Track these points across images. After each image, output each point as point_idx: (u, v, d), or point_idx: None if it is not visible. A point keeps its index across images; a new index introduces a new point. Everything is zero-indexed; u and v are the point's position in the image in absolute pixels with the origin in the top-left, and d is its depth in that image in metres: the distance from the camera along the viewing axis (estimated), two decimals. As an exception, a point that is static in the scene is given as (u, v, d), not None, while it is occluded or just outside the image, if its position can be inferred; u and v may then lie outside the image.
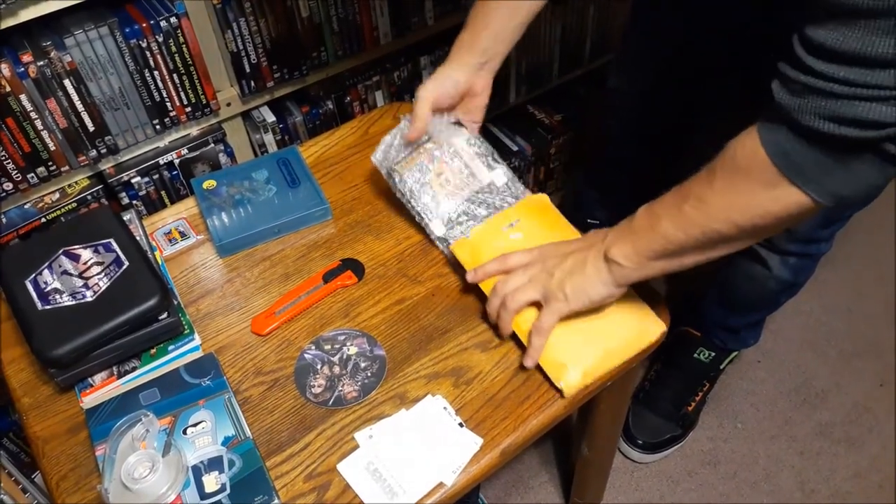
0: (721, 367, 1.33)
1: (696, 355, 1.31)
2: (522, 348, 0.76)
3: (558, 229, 0.85)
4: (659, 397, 1.32)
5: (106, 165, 1.10)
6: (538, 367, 0.75)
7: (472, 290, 0.83)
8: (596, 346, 0.75)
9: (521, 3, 0.83)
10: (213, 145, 1.16)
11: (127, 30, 0.97)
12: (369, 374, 0.76)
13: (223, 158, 1.19)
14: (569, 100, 1.61)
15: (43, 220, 1.07)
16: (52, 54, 0.93)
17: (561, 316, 0.74)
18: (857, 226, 1.13)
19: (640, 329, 0.77)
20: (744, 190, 0.60)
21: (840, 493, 1.27)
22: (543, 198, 0.88)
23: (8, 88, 0.92)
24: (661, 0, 1.06)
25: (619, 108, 1.23)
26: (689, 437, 1.34)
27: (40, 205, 1.08)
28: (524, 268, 0.76)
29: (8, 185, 1.01)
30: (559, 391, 0.73)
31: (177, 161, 1.14)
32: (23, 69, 0.92)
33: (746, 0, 0.92)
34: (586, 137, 1.60)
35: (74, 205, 1.09)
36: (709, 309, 1.27)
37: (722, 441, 1.35)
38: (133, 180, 1.12)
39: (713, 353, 1.30)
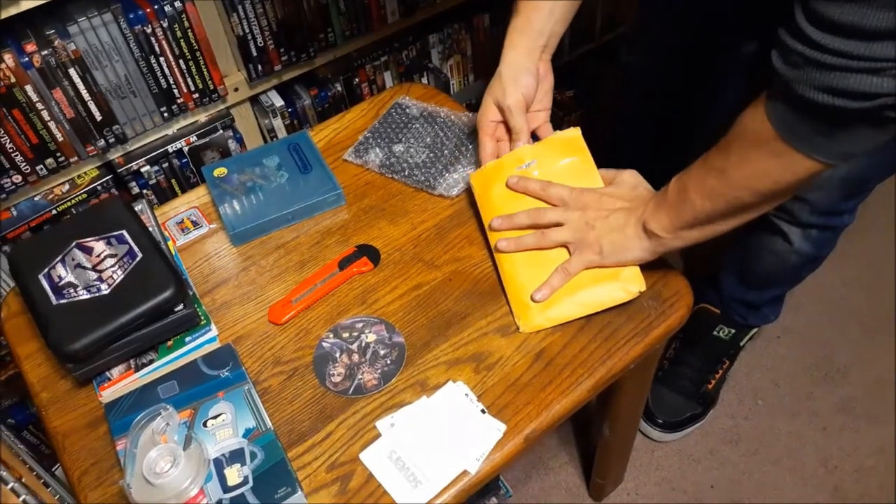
0: (741, 344, 1.32)
1: (715, 332, 1.29)
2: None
3: (583, 177, 0.82)
4: (678, 375, 1.31)
5: (115, 155, 1.08)
6: (504, 296, 0.79)
7: (490, 273, 0.82)
8: (566, 291, 0.77)
9: None
10: (221, 131, 1.15)
11: (131, 15, 0.95)
12: (389, 362, 0.75)
13: (232, 144, 1.17)
14: (580, 76, 1.59)
15: (54, 211, 1.07)
16: (56, 43, 0.92)
17: (590, 266, 0.76)
18: (878, 198, 1.10)
19: (617, 285, 0.77)
20: (756, 160, 0.62)
21: (863, 469, 1.26)
22: (573, 134, 0.82)
23: (13, 79, 0.91)
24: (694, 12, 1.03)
25: (635, 83, 1.21)
26: (709, 415, 1.33)
27: (50, 196, 1.07)
28: (563, 208, 0.78)
29: (17, 178, 1.00)
30: (516, 326, 0.77)
31: (186, 148, 1.13)
32: (27, 59, 0.91)
33: None
34: (599, 113, 1.57)
35: (84, 195, 1.08)
36: (728, 285, 1.25)
37: (742, 419, 1.34)
38: (142, 169, 1.11)
39: (733, 331, 1.29)
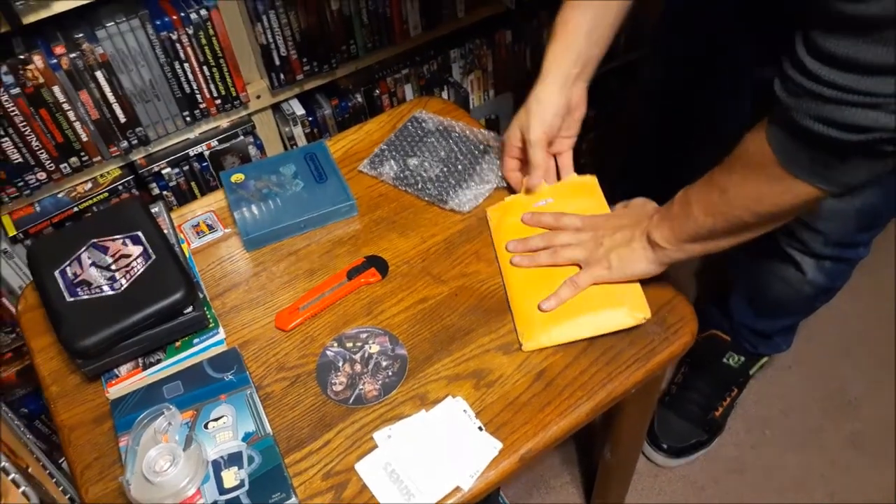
0: (751, 372, 1.31)
1: (725, 360, 1.28)
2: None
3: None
4: (686, 401, 1.30)
5: (137, 156, 1.11)
6: (510, 313, 0.80)
7: (496, 291, 0.82)
8: (571, 313, 0.77)
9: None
10: (242, 137, 1.17)
11: (158, 22, 0.97)
12: (390, 374, 0.76)
13: (253, 151, 1.19)
14: (601, 94, 1.59)
15: (76, 209, 1.09)
16: (85, 46, 0.94)
17: (599, 281, 0.78)
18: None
19: (623, 310, 0.77)
20: (756, 182, 0.63)
21: (870, 506, 1.24)
22: (589, 180, 0.89)
23: (41, 80, 0.93)
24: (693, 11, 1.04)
25: (650, 95, 1.22)
26: (715, 442, 1.32)
27: (73, 194, 1.10)
28: (576, 230, 0.81)
29: (42, 175, 1.02)
30: (519, 343, 0.77)
31: (207, 153, 1.15)
32: (55, 61, 0.93)
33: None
34: (620, 133, 1.57)
35: (106, 194, 1.11)
36: (739, 312, 1.24)
37: (749, 448, 1.33)
38: (163, 171, 1.13)
39: (743, 358, 1.28)
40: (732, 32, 1.02)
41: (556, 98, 0.82)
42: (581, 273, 0.78)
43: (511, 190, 0.92)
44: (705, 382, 1.30)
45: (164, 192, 1.16)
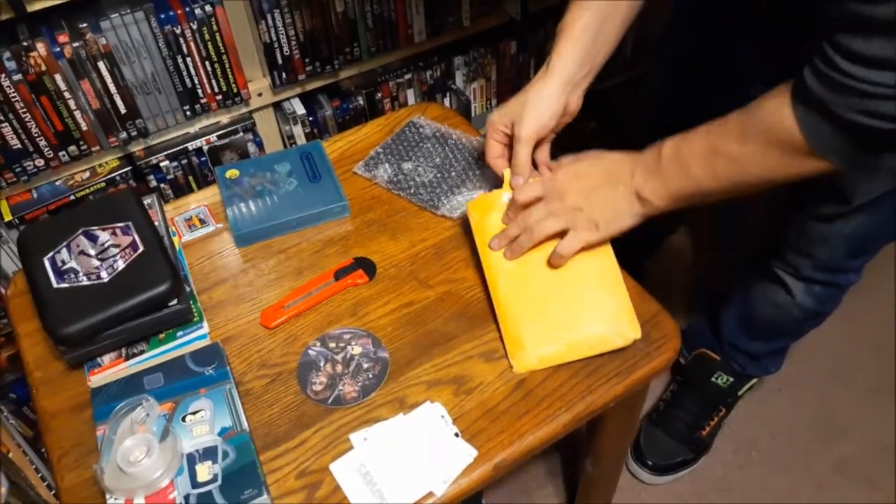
0: (739, 393, 1.30)
1: (713, 379, 1.28)
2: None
3: None
4: (673, 419, 1.29)
5: (135, 148, 1.12)
6: (497, 328, 0.79)
7: (482, 298, 0.83)
8: (562, 334, 0.76)
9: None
10: (242, 134, 1.17)
11: (162, 16, 0.98)
12: (370, 376, 0.76)
13: (252, 147, 1.20)
14: (605, 109, 1.59)
15: (72, 197, 1.10)
16: (88, 36, 0.95)
17: (589, 244, 0.77)
18: (887, 257, 1.09)
19: (614, 330, 0.76)
20: (777, 157, 0.65)
21: (854, 533, 1.23)
22: None
23: (43, 67, 0.94)
24: (694, 11, 1.04)
25: (653, 97, 1.22)
26: (701, 461, 1.31)
27: (70, 182, 1.10)
28: (544, 203, 0.78)
29: (40, 162, 1.03)
30: (510, 365, 0.76)
31: (205, 147, 1.16)
32: (58, 49, 0.94)
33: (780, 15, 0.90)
34: (624, 146, 1.57)
35: (103, 184, 1.11)
36: (728, 332, 1.24)
37: (736, 468, 1.32)
38: (162, 164, 1.14)
39: (732, 379, 1.27)
40: (735, 33, 1.02)
41: (557, 98, 0.79)
42: (566, 241, 0.77)
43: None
44: (693, 401, 1.30)
45: (162, 185, 1.16)
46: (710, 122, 0.70)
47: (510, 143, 0.83)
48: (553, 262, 0.78)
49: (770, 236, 1.07)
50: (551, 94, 0.79)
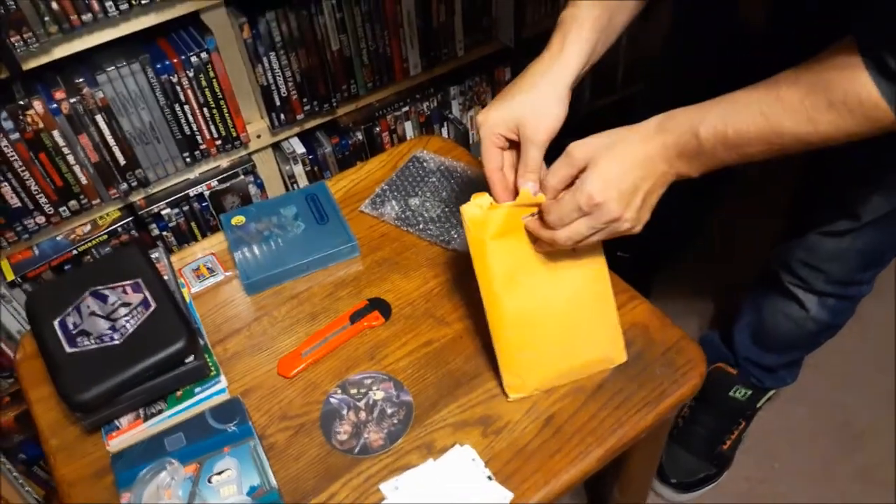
0: (758, 405, 1.29)
1: (731, 393, 1.27)
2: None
3: None
4: (693, 435, 1.28)
5: (136, 198, 1.10)
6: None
7: (502, 333, 0.81)
8: (554, 365, 0.76)
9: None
10: (242, 177, 1.16)
11: (158, 65, 0.98)
12: (395, 422, 0.75)
13: (253, 189, 1.19)
14: (600, 128, 1.59)
15: (74, 251, 1.08)
16: (85, 91, 0.94)
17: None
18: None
19: (603, 356, 0.78)
20: (853, 130, 0.60)
21: (883, 540, 1.22)
22: None
23: (41, 125, 0.93)
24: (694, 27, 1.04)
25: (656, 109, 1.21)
26: (723, 476, 1.30)
27: (72, 237, 1.09)
28: (586, 220, 0.67)
29: (41, 219, 1.02)
30: (504, 392, 0.76)
31: (207, 193, 1.15)
32: (55, 106, 0.93)
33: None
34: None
35: (105, 236, 1.10)
36: (743, 347, 1.23)
37: (758, 482, 1.30)
38: (163, 212, 1.13)
39: (749, 392, 1.26)
40: (735, 48, 1.01)
41: (567, 96, 0.72)
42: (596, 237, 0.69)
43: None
44: (712, 416, 1.28)
45: (164, 233, 1.15)
46: (750, 95, 0.64)
47: (510, 148, 0.75)
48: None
49: (779, 249, 1.07)
50: (562, 93, 0.71)
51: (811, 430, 1.36)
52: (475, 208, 0.71)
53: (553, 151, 0.73)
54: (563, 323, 0.76)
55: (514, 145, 0.73)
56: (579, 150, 0.68)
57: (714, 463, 1.28)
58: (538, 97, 0.71)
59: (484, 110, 0.73)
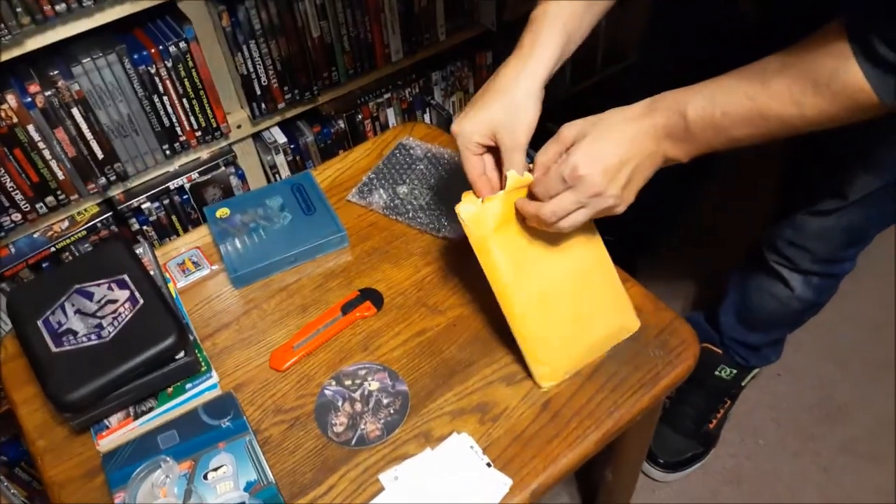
0: (742, 384, 1.31)
1: (717, 372, 1.28)
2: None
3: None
4: (680, 415, 1.30)
5: (115, 192, 1.08)
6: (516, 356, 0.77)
7: (495, 319, 0.81)
8: (577, 345, 0.76)
9: None
10: (223, 168, 1.14)
11: (135, 56, 0.95)
12: (392, 412, 0.74)
13: (234, 181, 1.17)
14: (581, 111, 1.59)
15: (52, 249, 1.06)
16: (60, 83, 0.91)
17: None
18: (879, 238, 1.11)
19: (619, 326, 0.78)
20: (840, 112, 0.61)
21: (866, 511, 1.25)
22: None
23: (15, 119, 0.90)
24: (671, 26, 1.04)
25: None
26: (710, 454, 1.32)
27: (49, 233, 1.06)
28: (571, 192, 0.67)
29: (17, 216, 0.99)
30: (536, 383, 0.76)
31: (187, 185, 1.13)
32: (30, 99, 0.90)
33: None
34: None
35: (84, 233, 1.07)
36: (728, 327, 1.25)
37: (744, 458, 1.33)
38: (143, 206, 1.11)
39: (734, 371, 1.28)
40: (714, 47, 1.02)
41: (540, 97, 0.72)
42: (580, 214, 0.69)
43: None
44: (699, 396, 1.30)
45: (144, 228, 1.13)
46: (736, 78, 0.65)
47: (488, 152, 0.75)
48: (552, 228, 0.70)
49: (765, 230, 1.08)
50: (536, 94, 0.71)
51: (794, 406, 1.39)
52: (469, 206, 0.71)
53: (535, 139, 0.74)
54: (575, 300, 0.77)
55: (493, 148, 0.74)
56: (569, 129, 0.69)
57: (701, 442, 1.30)
58: (511, 102, 0.70)
59: (458, 120, 0.73)
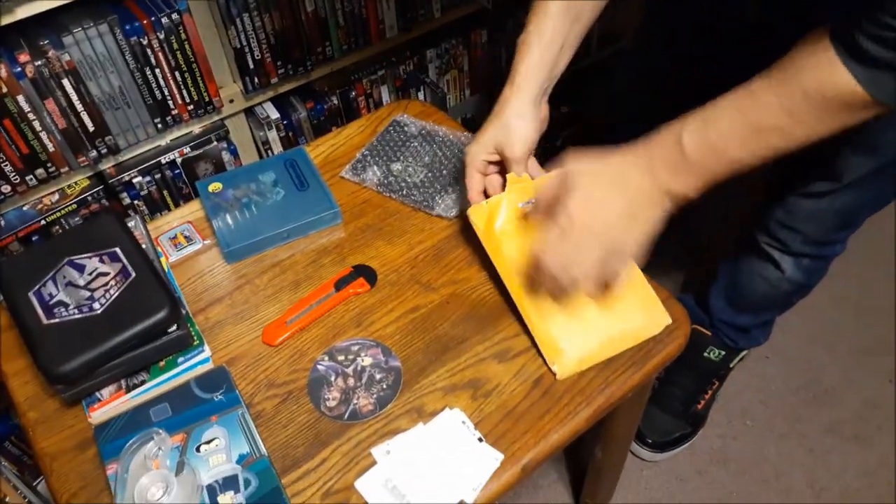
0: (731, 365, 1.32)
1: (706, 354, 1.29)
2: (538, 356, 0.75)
3: None
4: (669, 396, 1.31)
5: (106, 165, 1.07)
6: (532, 342, 0.76)
7: (488, 297, 0.81)
8: (597, 333, 0.75)
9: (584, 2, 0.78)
10: (215, 143, 1.13)
11: (127, 27, 0.94)
12: (384, 387, 0.75)
13: (226, 156, 1.16)
14: (575, 92, 1.59)
15: (42, 222, 1.05)
16: (50, 53, 0.90)
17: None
18: (867, 222, 1.11)
19: (645, 320, 0.77)
20: (836, 116, 0.63)
21: (850, 492, 1.27)
22: None
23: (4, 90, 0.89)
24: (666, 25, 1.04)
25: (626, 109, 1.21)
26: (698, 434, 1.33)
27: (39, 206, 1.05)
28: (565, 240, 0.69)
29: (6, 188, 0.98)
30: (552, 372, 0.74)
31: (179, 160, 1.12)
32: (19, 69, 0.89)
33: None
34: (594, 130, 1.57)
35: (74, 206, 1.06)
36: (718, 309, 1.25)
37: (731, 439, 1.34)
38: (134, 180, 1.10)
39: (723, 352, 1.29)
40: (708, 47, 1.02)
41: (534, 112, 0.79)
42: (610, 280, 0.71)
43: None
44: (687, 377, 1.31)
45: (136, 202, 1.12)
46: (726, 98, 0.66)
47: (492, 170, 0.83)
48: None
49: (757, 212, 1.09)
50: (530, 110, 0.79)
51: (782, 387, 1.41)
52: (476, 205, 0.79)
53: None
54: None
55: (500, 168, 0.82)
56: (571, 167, 0.72)
57: (689, 422, 1.31)
58: (505, 123, 0.79)
59: (468, 147, 0.82)
